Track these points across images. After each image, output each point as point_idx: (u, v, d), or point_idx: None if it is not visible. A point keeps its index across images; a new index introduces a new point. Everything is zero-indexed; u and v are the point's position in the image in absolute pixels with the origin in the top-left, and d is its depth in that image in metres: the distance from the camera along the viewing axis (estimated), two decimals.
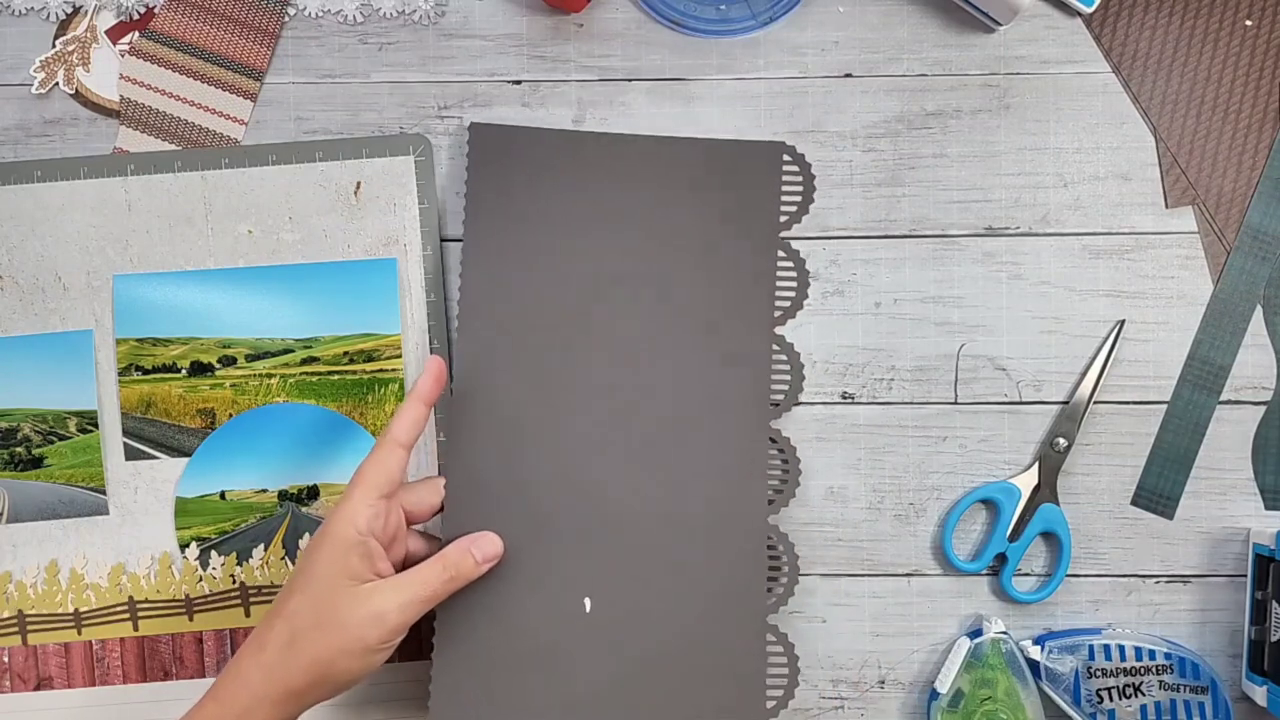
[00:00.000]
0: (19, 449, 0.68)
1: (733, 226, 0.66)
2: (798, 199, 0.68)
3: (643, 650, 0.63)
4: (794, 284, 0.68)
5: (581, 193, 0.66)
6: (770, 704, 0.64)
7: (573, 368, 0.65)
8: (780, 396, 0.67)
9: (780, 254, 0.67)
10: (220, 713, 0.55)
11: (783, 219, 0.67)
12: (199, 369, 0.68)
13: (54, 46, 0.69)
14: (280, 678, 0.55)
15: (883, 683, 0.69)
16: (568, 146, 0.67)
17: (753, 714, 0.63)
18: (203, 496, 0.68)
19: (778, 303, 0.67)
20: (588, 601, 0.63)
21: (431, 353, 0.68)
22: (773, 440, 0.66)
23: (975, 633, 0.67)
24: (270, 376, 0.68)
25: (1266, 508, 0.69)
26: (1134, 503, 0.69)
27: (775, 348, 0.67)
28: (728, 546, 0.64)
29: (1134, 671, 0.66)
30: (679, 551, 0.64)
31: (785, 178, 0.67)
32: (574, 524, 0.64)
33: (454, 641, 0.63)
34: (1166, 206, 0.69)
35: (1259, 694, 0.65)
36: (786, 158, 0.68)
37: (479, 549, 0.61)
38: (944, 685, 0.66)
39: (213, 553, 0.68)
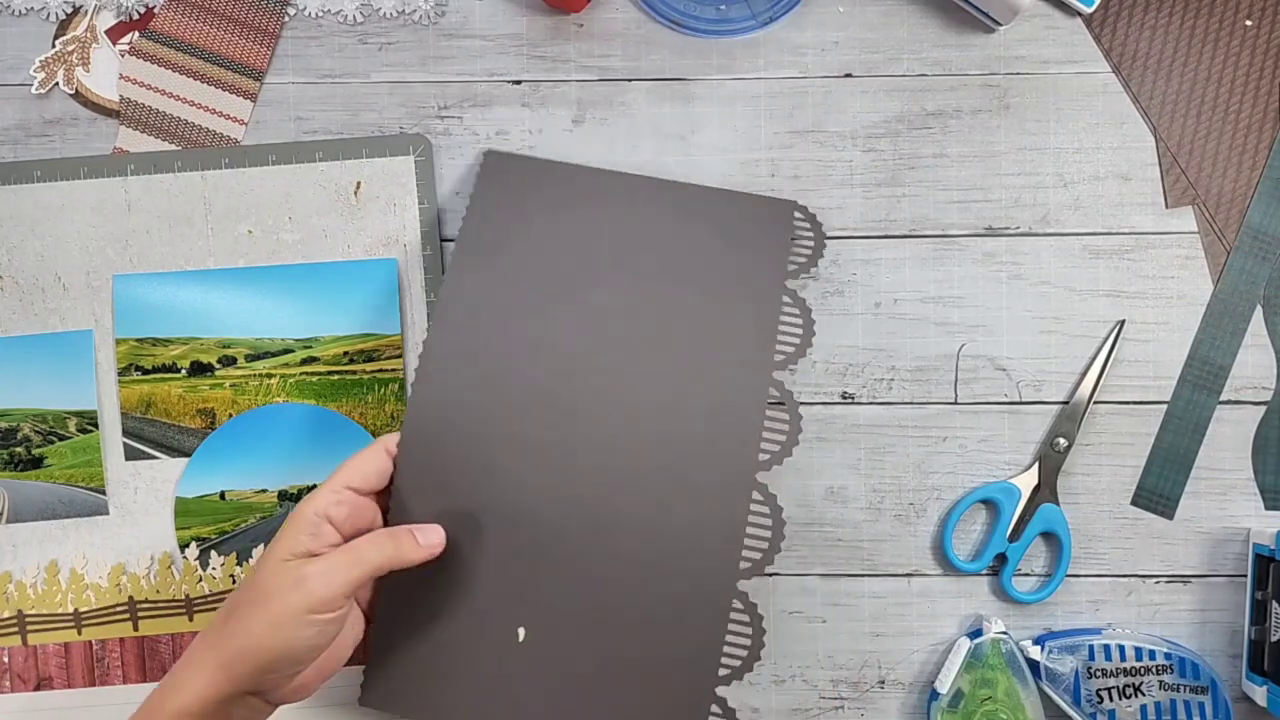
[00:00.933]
0: (19, 449, 0.68)
1: (737, 276, 0.64)
2: (807, 254, 0.67)
3: (579, 693, 0.60)
4: (799, 332, 0.65)
5: (584, 228, 0.65)
6: None
7: (548, 399, 0.63)
8: (775, 448, 0.63)
9: (786, 300, 0.64)
10: (167, 681, 0.55)
11: (791, 269, 0.66)
12: (199, 369, 0.68)
13: (54, 46, 0.69)
14: (214, 644, 0.54)
15: (883, 683, 0.69)
16: (577, 181, 0.66)
17: None
18: (202, 496, 0.68)
19: (780, 348, 0.64)
20: (522, 631, 0.61)
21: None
22: (758, 499, 0.61)
23: (975, 633, 0.67)
24: (270, 376, 0.68)
25: (1266, 508, 0.69)
26: (1134, 503, 0.69)
27: (773, 393, 0.63)
28: (692, 609, 0.60)
29: (1134, 672, 0.66)
30: (641, 606, 0.61)
31: (797, 233, 0.66)
32: (520, 548, 0.61)
33: (386, 655, 0.61)
34: (1166, 206, 0.69)
35: (1259, 694, 0.65)
36: (798, 215, 0.66)
37: (422, 533, 0.59)
38: (944, 685, 0.66)
39: (213, 553, 0.68)
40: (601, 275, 0.64)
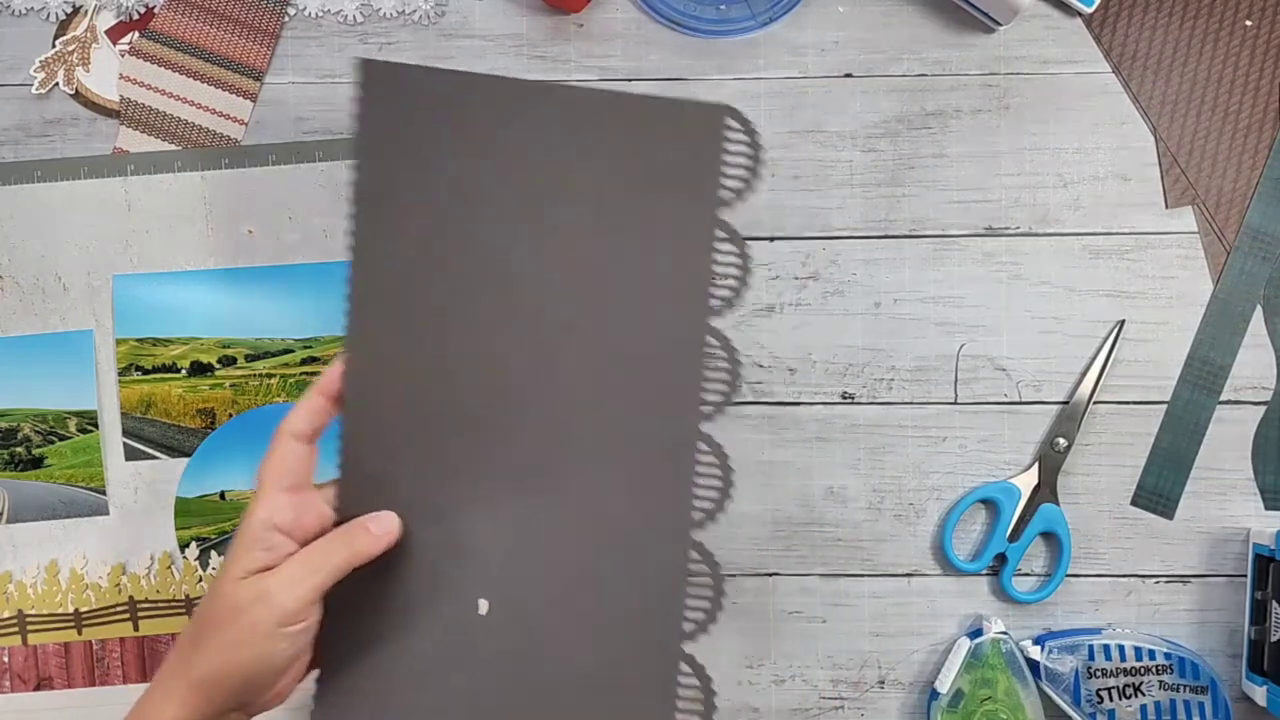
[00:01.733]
0: (19, 449, 0.68)
1: (665, 199, 0.57)
2: (744, 173, 0.57)
3: (542, 667, 0.57)
4: (737, 272, 0.57)
5: (489, 142, 0.57)
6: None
7: (478, 345, 0.57)
8: (717, 398, 0.57)
9: (721, 235, 0.57)
10: (137, 714, 0.53)
11: (725, 194, 0.57)
12: (199, 369, 0.68)
13: (54, 46, 0.69)
14: (183, 672, 0.53)
15: (883, 683, 0.69)
16: (476, 90, 0.57)
17: None
18: (203, 496, 0.68)
19: (717, 292, 0.57)
20: (483, 603, 0.57)
21: None
22: (704, 450, 0.57)
23: (975, 633, 0.67)
24: (270, 376, 0.68)
25: (1266, 508, 0.69)
26: (1134, 503, 0.69)
27: (712, 342, 0.57)
28: (644, 562, 0.57)
29: (1134, 671, 0.66)
30: (590, 563, 0.57)
31: (730, 147, 0.56)
32: (473, 516, 0.57)
33: (339, 652, 0.58)
34: (1166, 206, 0.69)
35: (1259, 694, 0.65)
36: (732, 123, 0.56)
37: (375, 523, 0.57)
38: (944, 685, 0.66)
39: (213, 553, 0.68)
40: (512, 214, 0.58)
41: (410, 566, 0.57)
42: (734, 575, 0.69)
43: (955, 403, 0.69)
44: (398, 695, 0.57)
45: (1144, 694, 0.66)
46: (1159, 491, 0.68)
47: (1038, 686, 0.66)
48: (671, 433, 0.58)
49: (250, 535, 0.54)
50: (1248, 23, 0.69)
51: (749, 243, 0.58)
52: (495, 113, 0.58)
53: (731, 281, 0.58)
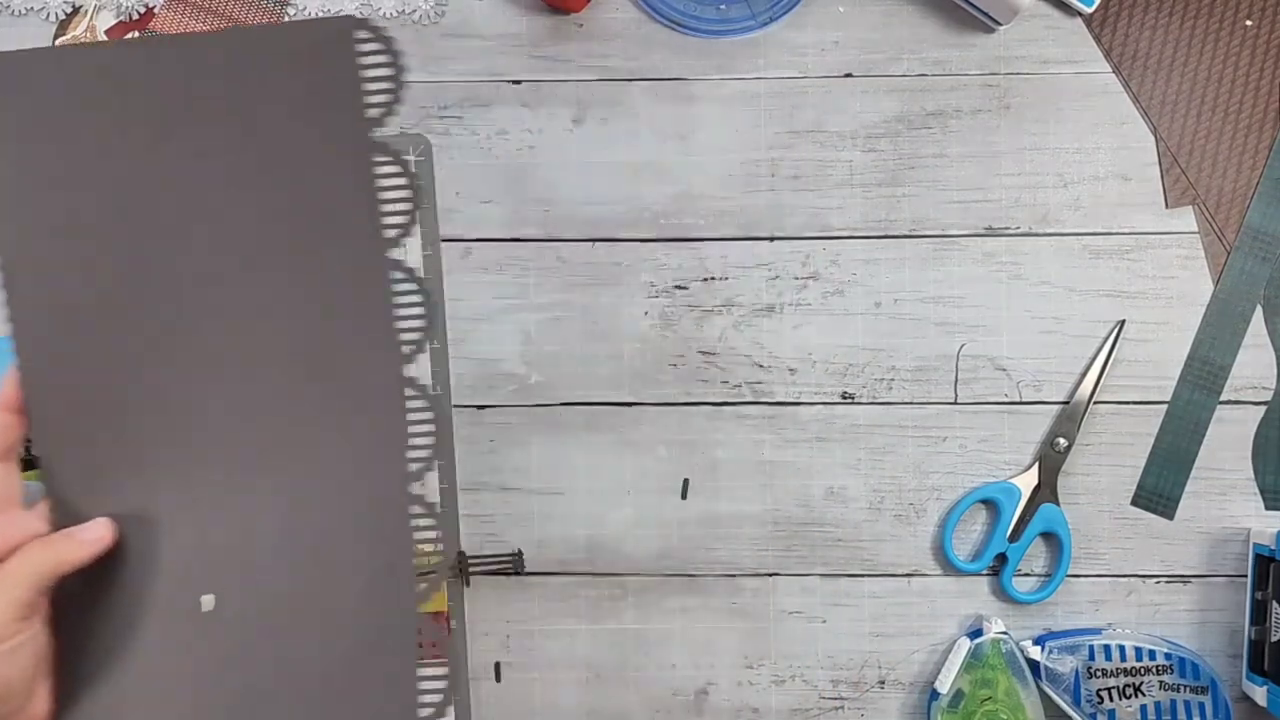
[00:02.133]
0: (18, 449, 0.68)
1: (311, 130, 0.52)
2: (387, 87, 0.52)
3: (276, 660, 0.53)
4: (405, 194, 0.53)
5: (115, 120, 0.52)
6: (424, 713, 0.53)
7: (151, 330, 0.53)
8: (414, 337, 0.53)
9: (381, 158, 0.52)
10: None
11: (371, 113, 0.52)
12: None
13: (54, 47, 0.69)
14: None
15: (883, 683, 0.69)
16: (84, 64, 0.52)
17: None
18: None
19: (387, 221, 0.53)
20: (208, 599, 0.53)
21: (431, 350, 0.68)
22: (412, 396, 0.53)
23: (975, 633, 0.67)
24: None
25: (1266, 508, 0.69)
26: (1134, 503, 0.69)
27: (397, 275, 0.53)
28: (366, 527, 0.53)
29: (1134, 672, 0.66)
30: (310, 535, 0.53)
31: (364, 61, 0.52)
32: (182, 508, 0.53)
33: (73, 668, 0.54)
34: (1166, 206, 0.69)
35: (1259, 694, 0.65)
36: (362, 34, 0.51)
37: (83, 530, 0.53)
38: (944, 685, 0.66)
39: None
40: (150, 186, 0.53)
41: (129, 575, 0.54)
42: (734, 575, 0.69)
43: (955, 403, 0.69)
44: (131, 706, 0.53)
45: (1144, 694, 0.66)
46: (1159, 491, 0.68)
47: (1038, 687, 0.66)
48: (369, 382, 0.53)
49: None
50: (1248, 22, 0.69)
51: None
52: (112, 88, 0.52)
53: (402, 206, 0.53)
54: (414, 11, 0.69)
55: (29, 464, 0.69)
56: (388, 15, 0.69)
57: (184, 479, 0.54)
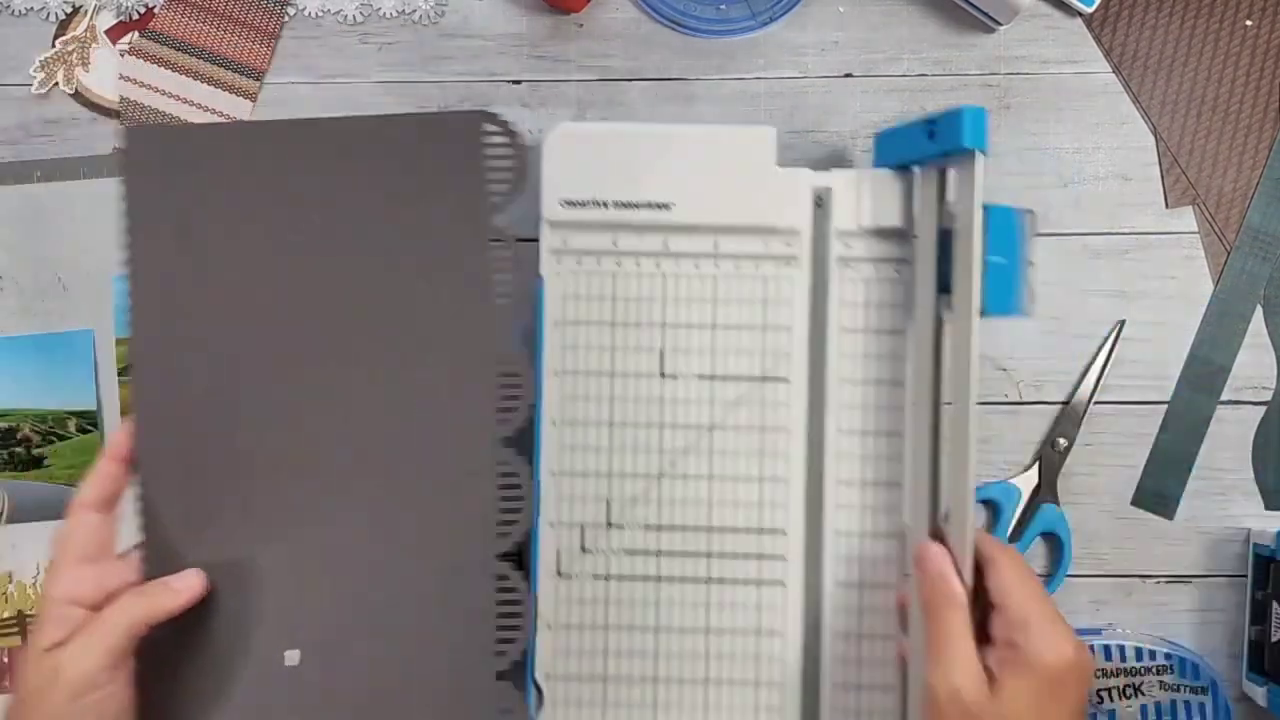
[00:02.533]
0: (19, 449, 0.68)
1: (436, 212, 0.57)
2: (508, 177, 0.57)
3: (355, 707, 0.56)
4: (509, 277, 0.58)
5: (256, 193, 0.57)
6: None
7: (266, 392, 0.57)
8: (513, 405, 0.57)
9: (494, 242, 0.57)
10: None
11: (493, 200, 0.57)
12: None
13: (53, 46, 0.69)
14: None
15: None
16: (235, 140, 0.58)
17: None
18: None
19: (499, 302, 0.57)
20: (293, 654, 0.56)
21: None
22: (503, 462, 0.57)
23: None
24: None
25: (1267, 508, 0.69)
26: (1134, 503, 0.69)
27: (504, 354, 0.57)
28: (455, 588, 0.56)
29: (1134, 672, 0.66)
30: (397, 595, 0.56)
31: (490, 152, 0.57)
32: (278, 564, 0.56)
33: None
34: (1167, 206, 0.69)
35: (1259, 694, 0.65)
36: (490, 128, 0.57)
37: (177, 579, 0.54)
38: None
39: None
40: (289, 240, 0.57)
41: (218, 626, 0.56)
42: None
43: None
44: None
45: (1144, 694, 0.66)
46: (1159, 492, 0.68)
47: None
48: (467, 453, 0.57)
49: (46, 612, 0.52)
50: (1248, 23, 0.69)
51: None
52: (260, 157, 0.58)
53: (507, 287, 0.57)
54: (414, 11, 0.69)
55: (30, 463, 0.69)
56: (388, 15, 0.69)
57: (282, 535, 0.57)
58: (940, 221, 0.58)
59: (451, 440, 0.57)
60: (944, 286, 0.58)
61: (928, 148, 0.58)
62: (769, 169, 0.61)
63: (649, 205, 0.61)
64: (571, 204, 0.61)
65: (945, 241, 0.58)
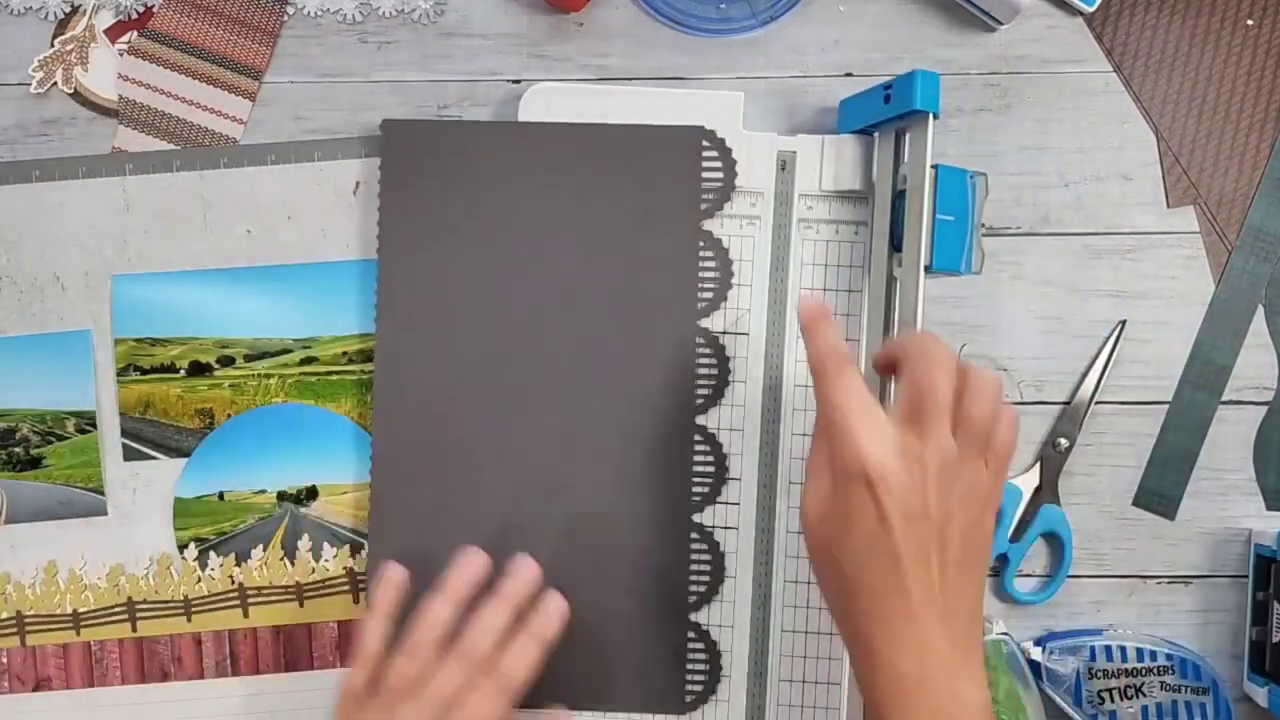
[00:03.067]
0: (17, 449, 0.68)
1: (653, 216, 0.65)
2: (718, 185, 0.66)
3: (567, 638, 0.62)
4: (716, 275, 0.66)
5: (498, 186, 0.65)
6: (690, 698, 0.65)
7: (498, 368, 0.65)
8: (707, 391, 0.65)
9: (701, 244, 0.65)
10: None
11: (703, 207, 0.65)
12: (197, 369, 0.68)
13: (52, 46, 0.69)
14: None
15: None
16: (482, 138, 0.66)
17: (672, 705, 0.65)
18: (201, 497, 0.68)
19: (701, 294, 0.65)
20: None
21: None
22: (699, 438, 0.65)
23: None
24: (269, 377, 0.68)
25: (1268, 508, 0.68)
26: (1135, 503, 0.69)
27: (700, 341, 0.65)
28: (653, 542, 0.65)
29: (1135, 672, 0.65)
30: (607, 549, 0.65)
31: (705, 164, 0.65)
32: (497, 518, 0.64)
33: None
34: (1168, 206, 0.69)
35: (1260, 695, 0.65)
36: (705, 143, 0.65)
37: (549, 602, 0.60)
38: None
39: (211, 553, 0.68)
40: (524, 230, 0.65)
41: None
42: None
43: None
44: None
45: (1145, 695, 0.65)
46: (1160, 492, 0.68)
47: (1039, 688, 0.66)
48: (670, 425, 0.65)
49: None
50: (1249, 22, 0.69)
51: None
52: (501, 152, 0.65)
53: (713, 286, 0.65)
54: (414, 11, 0.69)
55: (28, 464, 0.69)
56: (387, 14, 0.69)
57: (503, 521, 0.65)
58: (896, 184, 0.63)
59: (654, 415, 0.65)
60: (897, 246, 0.62)
61: (885, 111, 0.62)
62: (737, 132, 0.66)
63: None
64: None
65: (900, 203, 0.62)
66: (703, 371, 0.65)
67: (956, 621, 0.50)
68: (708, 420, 0.65)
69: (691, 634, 0.65)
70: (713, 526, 0.65)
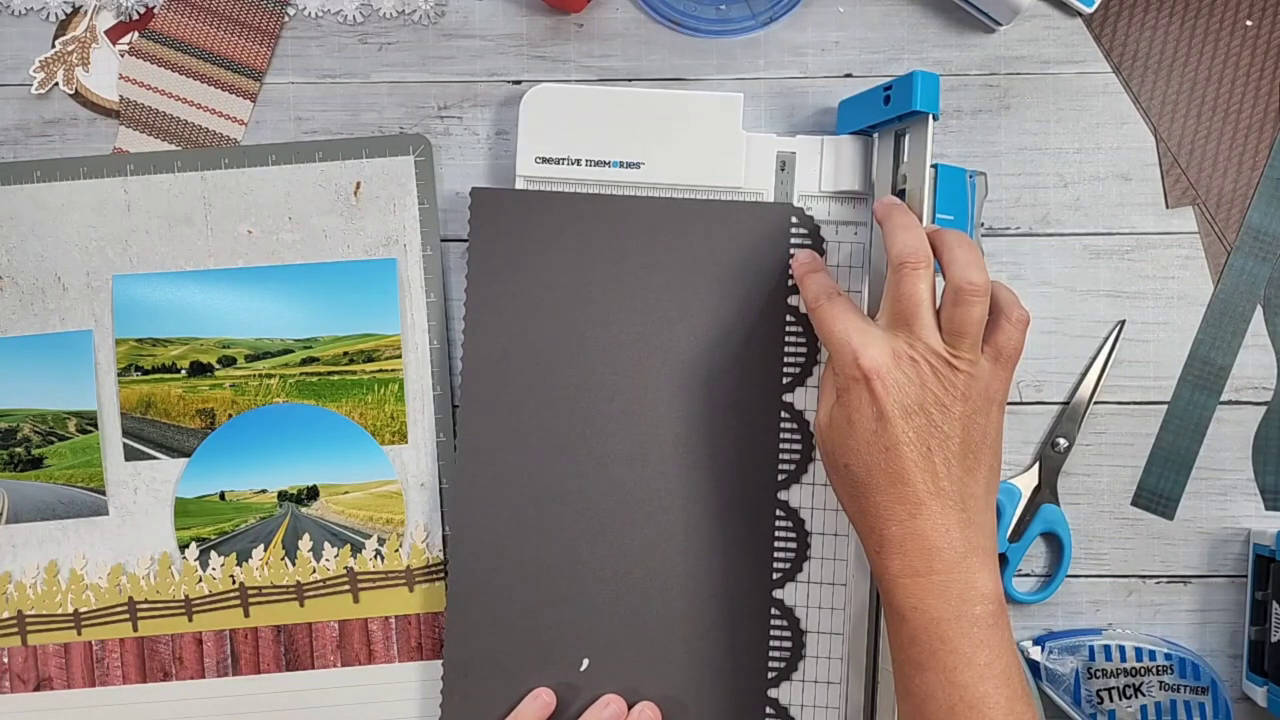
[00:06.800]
0: (19, 449, 0.68)
1: (742, 291, 0.65)
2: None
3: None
4: (803, 350, 0.65)
5: (586, 257, 0.65)
6: None
7: (579, 432, 0.65)
8: (790, 466, 0.65)
9: (789, 319, 0.65)
10: None
11: (790, 283, 0.65)
12: (198, 369, 0.68)
13: (53, 46, 0.69)
14: None
15: None
16: (572, 208, 0.65)
17: None
18: (202, 497, 0.68)
19: (786, 369, 0.65)
20: (585, 661, 0.65)
21: (431, 350, 0.68)
22: (780, 515, 0.65)
23: None
24: (270, 377, 0.68)
25: (1267, 508, 0.69)
26: (1134, 503, 0.69)
27: (784, 415, 0.65)
28: (732, 617, 0.64)
29: (1134, 672, 0.66)
30: (681, 618, 0.64)
31: (793, 240, 0.65)
32: (574, 585, 0.65)
33: (459, 695, 0.65)
34: (1167, 207, 0.69)
35: (1259, 694, 0.65)
36: (794, 219, 0.65)
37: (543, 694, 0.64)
38: None
39: (212, 553, 0.68)
40: (610, 302, 0.65)
41: (528, 638, 0.65)
42: None
43: None
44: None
45: (1144, 694, 0.66)
46: (1159, 492, 0.68)
47: (1038, 687, 0.66)
48: (752, 499, 0.65)
49: None
50: (1248, 23, 0.69)
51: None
52: (591, 222, 0.65)
53: (799, 359, 0.65)
54: (414, 11, 0.69)
55: (29, 464, 0.70)
56: (387, 15, 0.69)
57: (579, 557, 0.65)
58: (896, 184, 0.63)
59: (738, 487, 0.65)
60: None
61: (884, 112, 0.62)
62: (736, 133, 0.66)
63: (620, 164, 0.65)
64: (546, 160, 0.66)
65: None
66: (785, 447, 0.65)
67: (964, 512, 0.53)
68: (789, 496, 0.65)
69: (770, 710, 0.65)
70: (793, 604, 0.65)
